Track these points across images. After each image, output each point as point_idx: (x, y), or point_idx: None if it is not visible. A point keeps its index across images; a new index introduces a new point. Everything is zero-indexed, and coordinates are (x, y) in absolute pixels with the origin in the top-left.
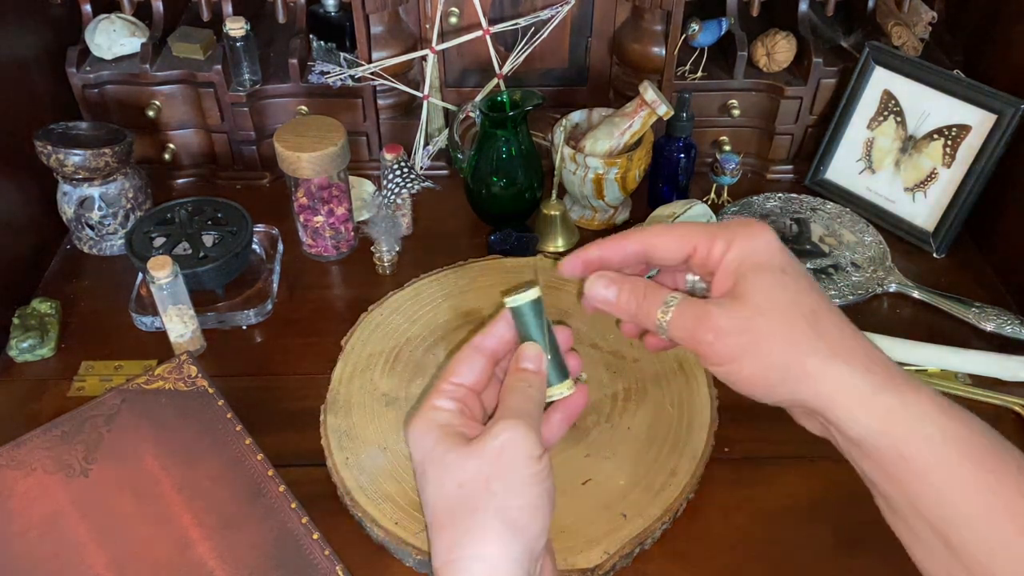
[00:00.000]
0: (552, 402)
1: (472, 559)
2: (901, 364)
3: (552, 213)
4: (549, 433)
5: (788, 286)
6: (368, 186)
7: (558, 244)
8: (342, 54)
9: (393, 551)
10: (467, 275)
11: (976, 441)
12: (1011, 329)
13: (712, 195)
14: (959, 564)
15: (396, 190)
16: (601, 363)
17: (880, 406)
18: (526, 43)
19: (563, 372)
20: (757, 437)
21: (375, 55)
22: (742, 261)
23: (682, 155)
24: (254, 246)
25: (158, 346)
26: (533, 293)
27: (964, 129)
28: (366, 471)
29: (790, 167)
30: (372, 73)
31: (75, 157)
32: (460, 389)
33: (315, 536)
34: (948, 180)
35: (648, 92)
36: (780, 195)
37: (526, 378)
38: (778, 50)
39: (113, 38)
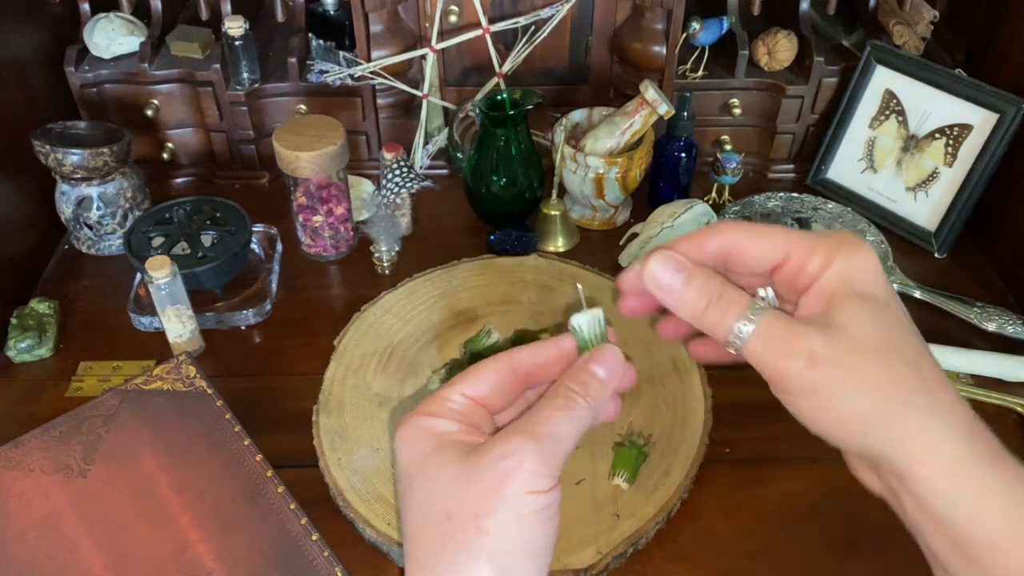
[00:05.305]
0: None
1: None
2: None
3: (552, 213)
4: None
5: (892, 325)
6: (367, 186)
7: (558, 244)
8: (341, 53)
9: (385, 552)
10: (460, 275)
11: None
12: (1013, 329)
13: (713, 194)
14: None
15: (395, 190)
16: None
17: (975, 482)
18: (526, 42)
19: None
20: (757, 438)
21: (374, 54)
22: (842, 283)
23: (683, 154)
24: (253, 246)
25: (156, 346)
26: (598, 311)
27: (966, 128)
28: (359, 472)
29: (791, 166)
30: (371, 72)
31: (73, 156)
32: (468, 405)
33: (314, 537)
34: (950, 180)
35: (649, 91)
36: (781, 194)
37: (583, 388)
38: (779, 49)
39: (111, 37)
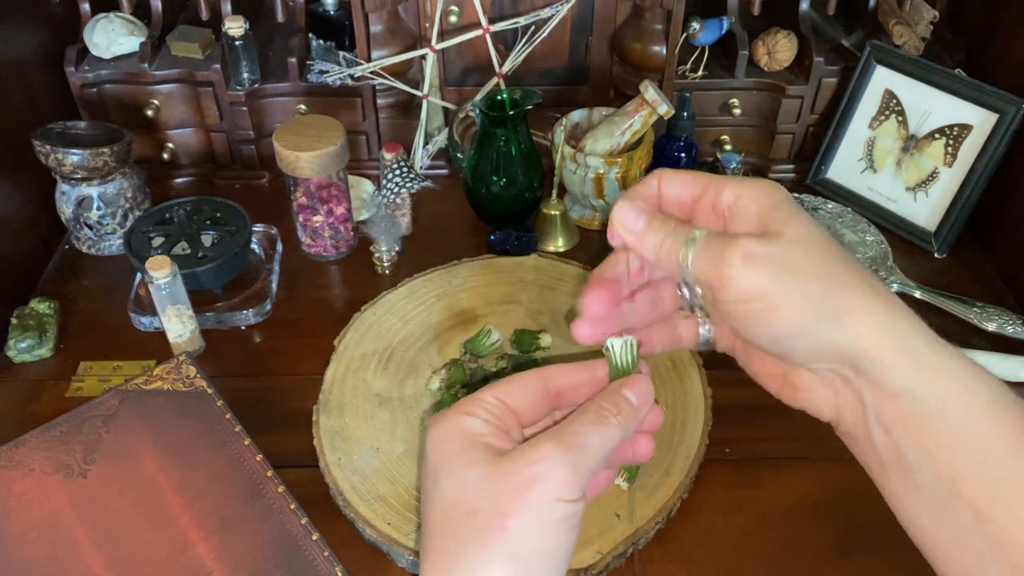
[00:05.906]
0: None
1: None
2: None
3: (552, 213)
4: (596, 482)
5: (821, 228)
6: (368, 186)
7: (558, 244)
8: (341, 53)
9: (385, 551)
10: (460, 274)
11: None
12: (1013, 329)
13: None
14: (996, 548)
15: (396, 190)
16: None
17: (925, 353)
18: (526, 42)
19: None
20: (757, 437)
21: (374, 54)
22: (763, 203)
23: (683, 154)
24: (253, 246)
25: (157, 346)
26: (632, 338)
27: (966, 128)
28: (359, 472)
29: (791, 166)
30: (371, 72)
31: (74, 156)
32: (502, 408)
33: (314, 537)
34: (950, 180)
35: (649, 91)
36: None
37: (615, 408)
38: (779, 49)
39: (112, 37)
